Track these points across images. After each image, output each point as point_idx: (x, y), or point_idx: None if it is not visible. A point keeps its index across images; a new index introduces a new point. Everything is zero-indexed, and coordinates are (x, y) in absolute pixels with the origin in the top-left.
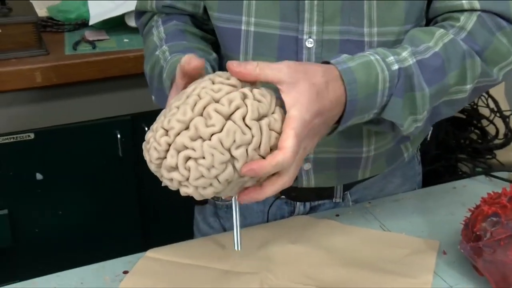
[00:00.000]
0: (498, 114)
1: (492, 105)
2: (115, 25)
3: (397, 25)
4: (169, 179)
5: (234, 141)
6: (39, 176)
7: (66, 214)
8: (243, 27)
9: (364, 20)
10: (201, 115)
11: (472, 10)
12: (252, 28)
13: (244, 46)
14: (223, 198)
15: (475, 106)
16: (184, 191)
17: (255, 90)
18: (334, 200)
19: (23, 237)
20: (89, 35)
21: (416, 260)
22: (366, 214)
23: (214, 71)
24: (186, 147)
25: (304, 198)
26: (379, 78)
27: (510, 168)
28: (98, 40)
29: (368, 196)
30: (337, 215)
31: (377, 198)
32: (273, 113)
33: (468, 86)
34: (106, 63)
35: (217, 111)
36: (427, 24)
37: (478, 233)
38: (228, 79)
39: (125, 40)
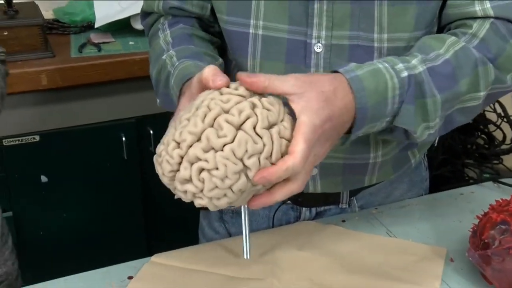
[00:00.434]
0: (505, 119)
1: (499, 110)
2: (120, 27)
3: (407, 31)
4: (183, 191)
5: (246, 150)
6: (44, 179)
7: (70, 217)
8: (251, 31)
9: (375, 26)
10: (212, 126)
11: (486, 17)
12: (260, 32)
13: (252, 49)
14: (236, 207)
15: (482, 111)
16: (198, 203)
17: (264, 99)
18: (340, 206)
19: (27, 240)
20: (95, 37)
21: (423, 267)
22: (372, 220)
23: None
24: (199, 159)
25: (310, 204)
26: (388, 86)
27: None
28: (104, 43)
29: (374, 202)
30: (343, 221)
31: (384, 204)
32: (282, 121)
33: (482, 93)
34: (112, 66)
35: (228, 122)
36: (439, 31)
37: (486, 240)
38: (236, 89)
39: (131, 42)
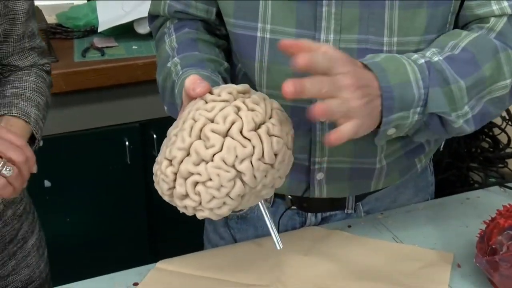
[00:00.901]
0: (510, 123)
1: (503, 113)
2: (124, 32)
3: (418, 35)
4: (183, 206)
5: (237, 156)
6: (47, 183)
7: (74, 221)
8: (258, 34)
9: (385, 30)
10: (199, 138)
11: (503, 15)
12: (268, 35)
13: (260, 53)
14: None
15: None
16: (200, 215)
17: (247, 100)
18: (346, 211)
19: None
20: (98, 42)
21: (430, 273)
22: (378, 225)
23: (225, 82)
24: (191, 173)
25: (316, 209)
26: (408, 69)
27: None
28: (107, 47)
29: (380, 207)
30: (349, 226)
31: (389, 209)
32: (270, 117)
33: (508, 81)
34: (115, 70)
35: (213, 131)
36: None
37: (494, 246)
38: (219, 95)
39: (134, 47)
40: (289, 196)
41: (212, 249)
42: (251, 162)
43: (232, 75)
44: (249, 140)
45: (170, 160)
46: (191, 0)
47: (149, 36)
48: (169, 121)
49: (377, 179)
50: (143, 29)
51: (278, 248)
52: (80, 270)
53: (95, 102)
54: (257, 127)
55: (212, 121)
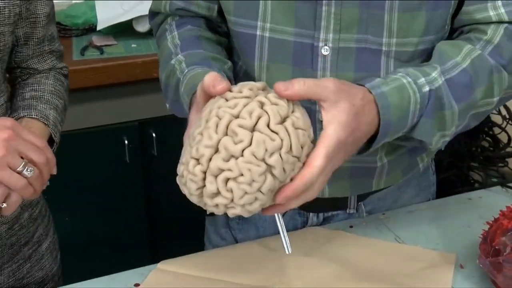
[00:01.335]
0: (510, 122)
1: (504, 112)
2: (123, 30)
3: (416, 36)
4: (214, 205)
5: (266, 150)
6: None
7: (72, 221)
8: (258, 32)
9: (384, 31)
10: (226, 134)
11: (500, 22)
12: (267, 34)
13: (259, 51)
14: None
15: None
16: (232, 213)
17: (270, 95)
18: (348, 211)
19: None
20: (97, 40)
21: (433, 274)
22: (380, 225)
23: (230, 81)
24: (222, 170)
25: (318, 209)
26: (411, 101)
27: None
28: (106, 45)
29: (382, 207)
30: (351, 226)
31: (391, 209)
32: (293, 111)
33: (495, 99)
34: (114, 69)
35: (241, 126)
36: (451, 33)
37: (497, 247)
38: (240, 92)
39: (133, 45)
40: None
41: (213, 249)
42: (280, 155)
43: (233, 73)
44: (277, 133)
45: (198, 159)
46: None
47: (148, 34)
48: (168, 119)
49: (379, 178)
50: (142, 27)
51: (288, 252)
52: (79, 269)
53: (94, 101)
54: (282, 121)
55: (237, 117)
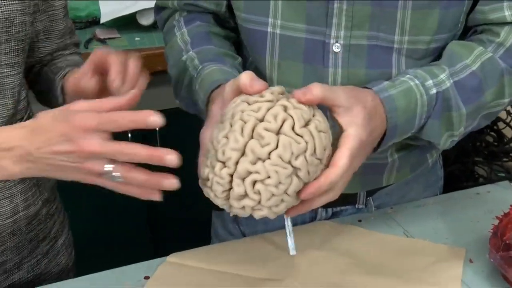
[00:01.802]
0: None
1: (508, 107)
2: (126, 23)
3: (429, 34)
4: (241, 207)
5: (292, 152)
6: None
7: (73, 219)
8: (269, 29)
9: (396, 29)
10: (252, 137)
11: None
12: (278, 31)
13: (270, 48)
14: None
15: None
16: (258, 215)
17: (292, 100)
18: (356, 206)
19: None
20: (100, 33)
21: (443, 268)
22: (388, 220)
23: None
24: (249, 172)
25: (327, 204)
26: (418, 103)
27: None
28: (110, 38)
29: (390, 202)
30: (360, 221)
31: (399, 204)
32: (314, 115)
33: (506, 100)
34: None
35: (267, 129)
36: (464, 32)
37: (508, 242)
38: (262, 96)
39: (137, 38)
40: None
41: (222, 243)
42: (305, 157)
43: (243, 69)
44: (301, 136)
45: (224, 162)
46: None
47: (152, 27)
48: (171, 113)
49: (389, 173)
50: (146, 20)
51: (292, 254)
52: (84, 263)
53: None
54: (306, 124)
55: (262, 120)
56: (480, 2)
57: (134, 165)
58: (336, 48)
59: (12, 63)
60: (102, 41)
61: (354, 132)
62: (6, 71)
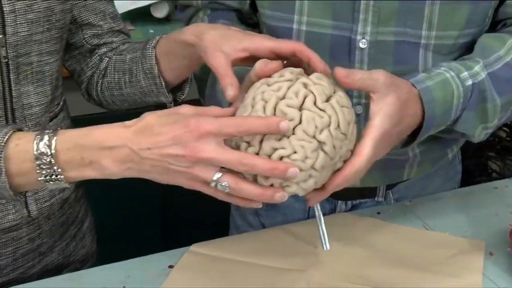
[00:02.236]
0: None
1: None
2: (140, 15)
3: (457, 30)
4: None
5: (316, 126)
6: None
7: (99, 204)
8: (295, 26)
9: (424, 24)
10: (275, 115)
11: None
12: (304, 27)
13: None
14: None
15: None
16: (288, 191)
17: (311, 77)
18: (376, 199)
19: None
20: None
21: (463, 261)
22: (407, 212)
23: None
24: (275, 149)
25: (347, 197)
26: (455, 95)
27: None
28: None
29: (409, 195)
30: (378, 213)
31: (418, 197)
32: (335, 92)
33: None
34: None
35: (289, 106)
36: (494, 25)
37: None
38: (281, 76)
39: (151, 31)
40: None
41: (244, 233)
42: (329, 131)
43: None
44: (324, 111)
45: (249, 142)
46: None
47: (165, 20)
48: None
49: (410, 168)
50: (160, 13)
51: (325, 249)
52: (108, 252)
53: None
54: (328, 99)
55: (283, 98)
56: None
57: (241, 175)
58: (363, 44)
59: (51, 50)
60: None
61: (379, 122)
62: (46, 59)
